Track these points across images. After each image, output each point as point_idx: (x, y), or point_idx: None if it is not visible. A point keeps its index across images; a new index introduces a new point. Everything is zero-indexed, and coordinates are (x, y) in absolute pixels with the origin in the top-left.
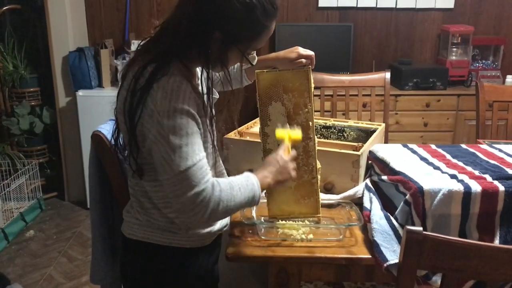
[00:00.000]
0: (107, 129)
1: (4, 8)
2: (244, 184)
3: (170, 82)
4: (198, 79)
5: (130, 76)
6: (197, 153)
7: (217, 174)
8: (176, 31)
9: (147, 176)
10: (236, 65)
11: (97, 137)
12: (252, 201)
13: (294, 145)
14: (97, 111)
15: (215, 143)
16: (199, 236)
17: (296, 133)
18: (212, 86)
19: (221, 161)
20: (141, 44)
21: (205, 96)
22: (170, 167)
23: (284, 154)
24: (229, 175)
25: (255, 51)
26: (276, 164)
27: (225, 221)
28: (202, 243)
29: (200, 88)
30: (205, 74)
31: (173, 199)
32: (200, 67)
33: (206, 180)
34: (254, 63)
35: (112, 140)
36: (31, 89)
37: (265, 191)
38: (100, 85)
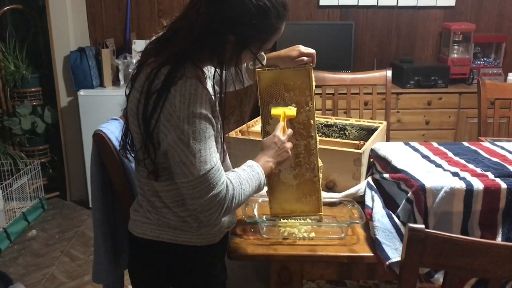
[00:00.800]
0: (108, 129)
1: (5, 8)
2: (251, 175)
3: (187, 86)
4: (207, 78)
5: (143, 78)
6: (214, 156)
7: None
8: (189, 34)
9: (161, 177)
10: None
11: (98, 137)
12: (258, 189)
13: (290, 121)
14: (99, 111)
15: (223, 142)
16: (210, 234)
17: (292, 111)
18: (226, 87)
19: (228, 160)
20: (150, 44)
21: (217, 96)
22: (189, 171)
23: (281, 133)
24: None
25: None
26: (275, 146)
27: (234, 218)
28: (212, 241)
29: (209, 87)
30: (217, 75)
31: (191, 200)
32: (208, 66)
33: (222, 182)
34: (264, 62)
35: (121, 142)
36: (33, 89)
37: (266, 189)
38: (101, 84)
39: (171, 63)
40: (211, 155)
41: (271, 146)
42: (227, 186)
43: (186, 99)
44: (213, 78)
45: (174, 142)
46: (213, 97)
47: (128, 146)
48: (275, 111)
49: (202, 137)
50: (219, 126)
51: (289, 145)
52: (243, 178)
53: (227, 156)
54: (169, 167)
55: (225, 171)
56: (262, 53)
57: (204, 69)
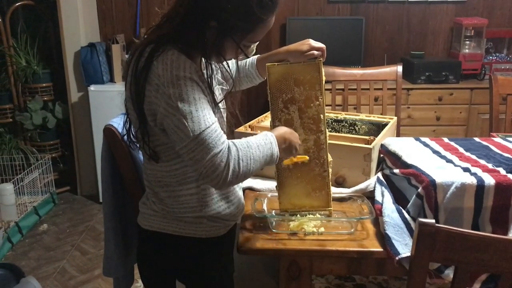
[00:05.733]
0: (119, 123)
1: (17, 4)
2: (263, 142)
3: (169, 55)
4: (203, 69)
5: (133, 61)
6: (208, 117)
7: None
8: (174, 18)
9: (163, 158)
10: (248, 62)
11: (109, 131)
12: (271, 159)
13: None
14: (109, 106)
15: (223, 128)
16: (215, 226)
17: (302, 156)
18: (212, 73)
19: None
20: (147, 32)
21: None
22: (185, 134)
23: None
24: None
25: (254, 45)
26: (287, 129)
27: (239, 210)
28: (218, 233)
29: (216, 90)
30: (224, 71)
31: (194, 166)
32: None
33: (222, 142)
34: (250, 56)
35: (124, 131)
36: (44, 84)
37: (276, 184)
38: (111, 80)
39: (155, 42)
40: (205, 116)
41: (283, 127)
42: (229, 147)
43: (168, 65)
44: (209, 76)
45: (165, 110)
46: (206, 80)
47: (132, 136)
48: (286, 161)
49: (191, 99)
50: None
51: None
52: (252, 142)
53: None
54: (167, 148)
55: None
56: (253, 47)
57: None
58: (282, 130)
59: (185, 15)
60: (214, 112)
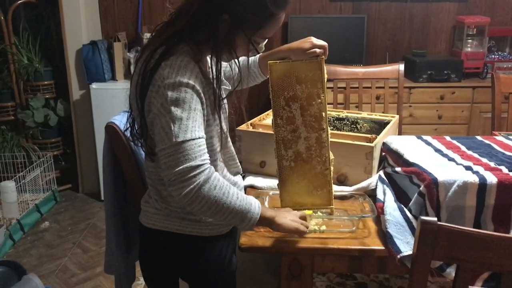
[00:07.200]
0: (120, 120)
1: (19, 1)
2: (244, 196)
3: (178, 60)
4: (209, 68)
5: (142, 60)
6: (198, 130)
7: (226, 160)
8: (186, 14)
9: (154, 156)
10: (250, 61)
11: (111, 129)
12: (245, 216)
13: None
14: (111, 104)
15: (223, 125)
16: (217, 224)
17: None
18: (220, 69)
19: (231, 145)
20: (156, 29)
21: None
22: (167, 137)
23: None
24: (241, 165)
25: (264, 42)
26: (284, 210)
27: None
28: (220, 232)
29: (210, 76)
30: (214, 59)
31: (166, 171)
32: (210, 55)
33: (204, 159)
34: (261, 51)
35: (128, 125)
36: (46, 82)
37: (277, 182)
38: (113, 78)
39: (167, 44)
40: (194, 128)
41: (285, 210)
42: (210, 170)
43: (175, 70)
44: (211, 63)
45: (158, 110)
46: (211, 82)
47: (135, 133)
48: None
49: (186, 106)
50: (214, 110)
51: (301, 222)
52: (234, 188)
53: (229, 140)
54: None
55: (227, 156)
56: (262, 44)
57: (208, 58)
58: (275, 215)
59: (198, 10)
60: (219, 115)
